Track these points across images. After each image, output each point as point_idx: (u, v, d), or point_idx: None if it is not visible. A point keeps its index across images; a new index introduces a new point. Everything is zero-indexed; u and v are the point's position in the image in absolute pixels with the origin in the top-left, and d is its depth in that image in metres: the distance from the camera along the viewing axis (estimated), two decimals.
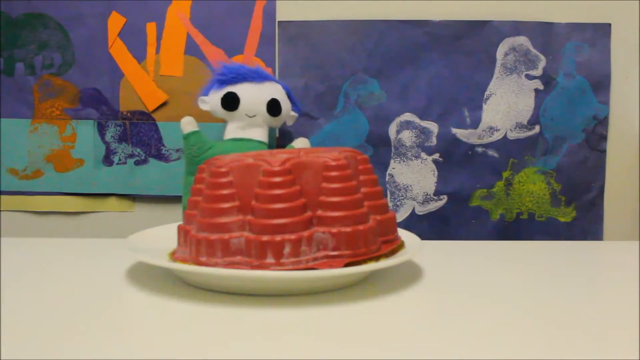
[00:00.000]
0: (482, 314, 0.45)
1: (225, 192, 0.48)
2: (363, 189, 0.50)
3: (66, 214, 0.95)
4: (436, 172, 0.91)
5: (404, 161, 0.91)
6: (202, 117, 0.90)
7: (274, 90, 0.80)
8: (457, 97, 0.90)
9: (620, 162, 0.92)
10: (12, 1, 0.91)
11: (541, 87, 0.90)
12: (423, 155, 0.91)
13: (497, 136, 0.91)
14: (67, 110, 0.92)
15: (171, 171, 0.92)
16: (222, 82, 0.80)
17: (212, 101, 0.81)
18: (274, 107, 0.80)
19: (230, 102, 0.79)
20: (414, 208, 0.91)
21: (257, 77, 0.80)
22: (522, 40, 0.90)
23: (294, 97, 0.84)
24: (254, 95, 0.79)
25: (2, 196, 0.94)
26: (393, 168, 0.91)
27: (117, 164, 0.93)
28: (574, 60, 0.90)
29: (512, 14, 0.90)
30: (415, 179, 0.91)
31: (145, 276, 0.55)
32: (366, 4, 0.90)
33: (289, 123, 0.85)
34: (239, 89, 0.79)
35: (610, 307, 0.47)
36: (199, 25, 0.91)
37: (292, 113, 0.84)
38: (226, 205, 0.47)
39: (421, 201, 0.91)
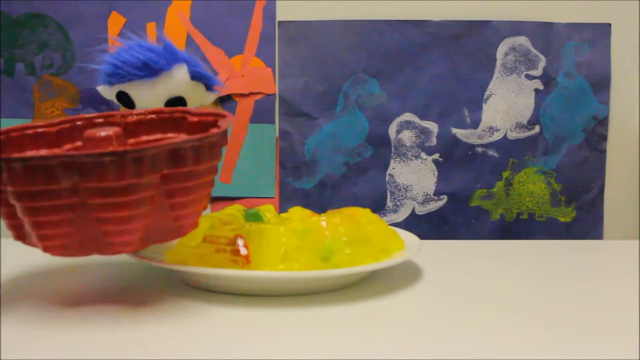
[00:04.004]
0: (482, 313, 0.45)
1: None
2: None
3: None
4: (436, 172, 0.91)
5: (404, 161, 0.91)
6: None
7: (174, 82, 0.65)
8: (457, 97, 0.90)
9: (620, 162, 0.92)
10: (12, 1, 0.91)
11: (541, 87, 0.90)
12: (423, 155, 0.91)
13: (497, 136, 0.91)
14: (67, 110, 0.92)
15: None
16: (110, 83, 0.66)
17: (110, 97, 0.68)
18: (173, 106, 0.65)
19: (126, 104, 0.66)
20: (414, 208, 0.91)
21: (147, 74, 0.65)
22: (522, 40, 0.90)
23: (205, 72, 0.68)
24: (147, 97, 0.65)
25: None
26: (393, 168, 0.91)
27: None
28: (574, 60, 0.90)
29: (512, 14, 0.90)
30: (415, 179, 0.91)
31: (145, 276, 0.55)
32: (366, 4, 0.90)
33: (206, 104, 0.71)
34: (131, 89, 0.65)
35: (610, 307, 0.47)
36: (199, 25, 0.91)
37: (209, 94, 0.69)
38: None
39: (421, 201, 0.91)
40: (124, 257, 0.61)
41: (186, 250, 0.53)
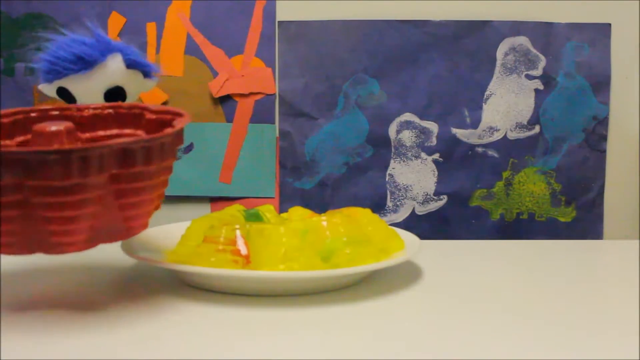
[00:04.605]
0: (482, 313, 0.45)
1: None
2: None
3: None
4: (436, 172, 0.91)
5: (404, 161, 0.91)
6: (202, 117, 0.90)
7: (110, 72, 0.64)
8: (457, 97, 0.90)
9: (620, 162, 0.92)
10: (12, 1, 0.91)
11: (541, 87, 0.90)
12: (423, 155, 0.91)
13: (497, 136, 0.91)
14: None
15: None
16: (48, 80, 0.66)
17: (52, 94, 0.67)
18: (112, 98, 0.64)
19: (67, 99, 0.66)
20: (414, 208, 0.91)
21: (82, 67, 0.64)
22: (522, 40, 0.90)
23: (141, 60, 0.67)
24: (85, 90, 0.65)
25: None
26: (393, 168, 0.91)
27: None
28: (574, 60, 0.90)
29: (512, 14, 0.90)
30: (415, 179, 0.91)
31: (145, 276, 0.55)
32: (366, 4, 0.90)
33: (147, 90, 0.70)
34: (69, 84, 0.65)
35: (610, 307, 0.47)
36: (199, 25, 0.91)
37: (148, 82, 0.69)
38: None
39: (421, 201, 0.91)
40: (124, 257, 0.61)
41: (186, 250, 0.53)
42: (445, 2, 0.90)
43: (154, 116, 0.53)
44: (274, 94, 0.91)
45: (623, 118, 0.92)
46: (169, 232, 0.61)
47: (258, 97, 0.91)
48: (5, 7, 0.91)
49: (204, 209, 0.92)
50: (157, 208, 0.48)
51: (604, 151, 0.91)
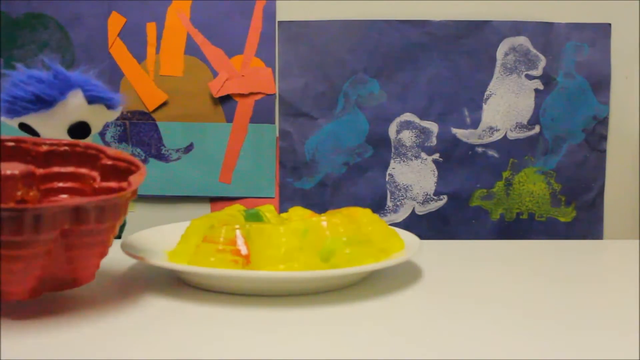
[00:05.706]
0: (482, 314, 0.45)
1: None
2: None
3: None
4: (436, 172, 0.91)
5: (404, 161, 0.91)
6: (202, 117, 0.90)
7: (72, 109, 0.63)
8: (457, 97, 0.90)
9: (620, 162, 0.92)
10: (12, 1, 0.91)
11: (541, 87, 0.90)
12: (423, 155, 0.91)
13: (497, 136, 0.91)
14: None
15: (171, 171, 0.92)
16: (8, 117, 0.64)
17: (14, 126, 0.66)
18: (76, 132, 0.63)
19: (30, 133, 0.64)
20: (414, 208, 0.91)
21: (41, 107, 0.62)
22: (522, 40, 0.90)
23: (102, 94, 0.65)
24: (48, 127, 0.63)
25: None
26: (393, 168, 0.91)
27: None
28: (574, 60, 0.90)
29: (512, 14, 0.90)
30: (415, 179, 0.91)
31: (145, 276, 0.55)
32: (366, 4, 0.90)
33: (111, 120, 0.68)
34: (30, 121, 0.63)
35: (610, 307, 0.47)
36: (199, 25, 0.91)
37: (112, 113, 0.67)
38: None
39: (421, 201, 0.91)
40: (124, 257, 0.61)
41: (186, 250, 0.53)
42: (445, 2, 0.90)
43: (109, 162, 0.52)
44: (274, 94, 0.91)
45: (623, 118, 0.92)
46: (169, 232, 0.61)
47: (258, 97, 0.91)
48: (5, 7, 0.91)
49: (204, 209, 0.92)
50: (105, 255, 0.47)
51: (604, 151, 0.91)
